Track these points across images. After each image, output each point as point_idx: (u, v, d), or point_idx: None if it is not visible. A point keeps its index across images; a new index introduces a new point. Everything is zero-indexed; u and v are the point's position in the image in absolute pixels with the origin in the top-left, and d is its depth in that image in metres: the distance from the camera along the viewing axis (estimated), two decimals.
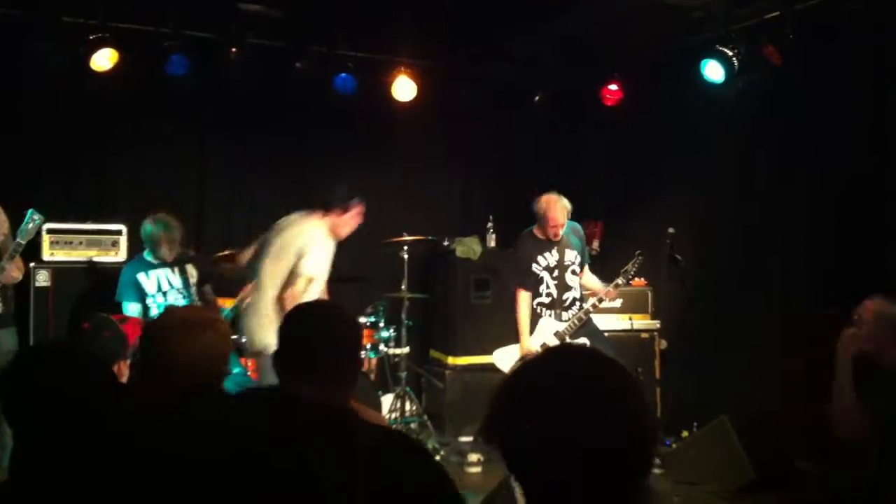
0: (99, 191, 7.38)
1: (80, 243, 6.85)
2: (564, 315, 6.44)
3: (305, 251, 5.61)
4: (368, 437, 1.51)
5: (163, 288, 6.20)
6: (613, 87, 7.90)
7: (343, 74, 7.47)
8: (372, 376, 7.27)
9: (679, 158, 7.56)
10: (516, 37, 7.36)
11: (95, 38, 6.61)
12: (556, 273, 6.48)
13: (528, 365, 1.68)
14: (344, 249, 7.56)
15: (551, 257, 6.50)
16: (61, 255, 6.74)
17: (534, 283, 6.48)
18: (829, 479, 5.13)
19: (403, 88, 7.70)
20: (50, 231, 6.67)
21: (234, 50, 7.04)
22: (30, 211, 5.52)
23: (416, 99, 7.76)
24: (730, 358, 6.70)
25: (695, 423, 6.46)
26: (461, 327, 7.78)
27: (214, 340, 2.60)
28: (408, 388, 7.12)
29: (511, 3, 6.43)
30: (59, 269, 6.66)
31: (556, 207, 6.40)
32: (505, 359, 6.51)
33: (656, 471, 6.11)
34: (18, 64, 6.57)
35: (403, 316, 7.29)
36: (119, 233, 6.97)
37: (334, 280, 7.36)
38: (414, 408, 7.11)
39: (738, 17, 6.52)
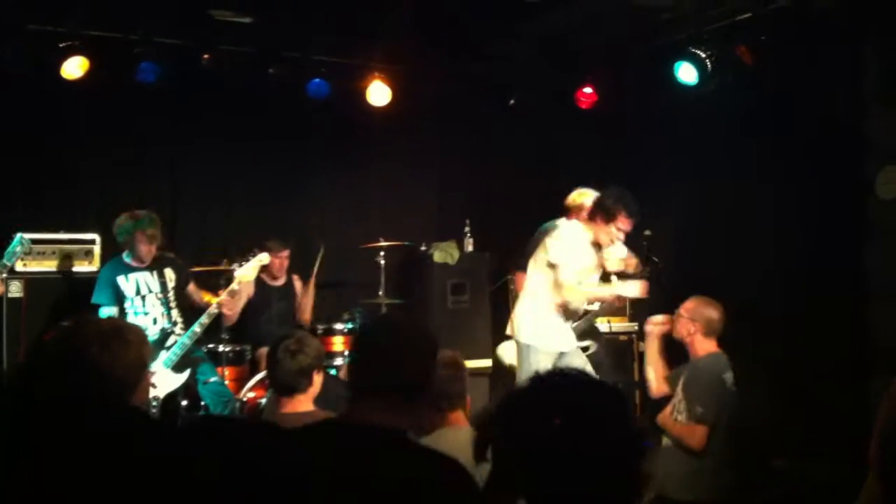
0: (71, 200, 7.30)
1: (53, 253, 6.77)
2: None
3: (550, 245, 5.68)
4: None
5: (141, 291, 6.14)
6: (588, 90, 7.91)
7: (316, 80, 7.44)
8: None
9: (655, 160, 7.58)
10: (491, 40, 7.35)
11: (65, 46, 6.56)
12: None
13: (539, 382, 1.75)
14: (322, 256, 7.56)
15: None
16: (34, 266, 6.65)
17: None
18: (805, 477, 5.14)
19: (378, 93, 7.67)
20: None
21: (205, 56, 7.00)
22: (18, 235, 5.50)
23: (390, 103, 7.72)
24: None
25: None
26: (439, 332, 7.58)
27: (123, 350, 2.51)
28: None
29: (485, 5, 6.41)
30: (31, 280, 6.58)
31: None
32: (511, 353, 6.21)
33: None
34: None
35: None
36: (92, 242, 6.90)
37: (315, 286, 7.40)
38: None
39: (710, 18, 6.54)
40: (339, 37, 7.17)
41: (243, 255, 6.43)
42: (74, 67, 6.62)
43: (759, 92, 6.60)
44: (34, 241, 6.61)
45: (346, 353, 7.02)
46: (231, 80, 7.23)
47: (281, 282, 7.25)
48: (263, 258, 6.36)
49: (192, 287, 6.44)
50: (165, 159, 7.64)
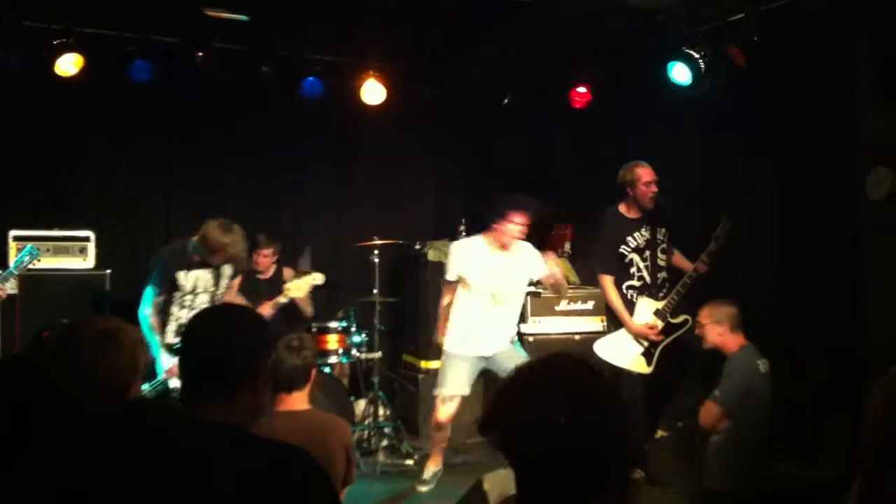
0: (66, 197, 7.31)
1: (48, 250, 6.75)
2: (660, 296, 6.21)
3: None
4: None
5: (197, 290, 6.00)
6: (582, 89, 7.93)
7: (310, 78, 7.45)
8: (344, 381, 7.24)
9: (649, 161, 7.59)
10: (486, 39, 7.37)
11: (59, 43, 6.56)
12: (646, 254, 6.21)
13: (544, 363, 1.82)
14: (314, 254, 7.59)
15: (641, 237, 6.22)
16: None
17: (621, 267, 6.21)
18: (806, 481, 5.21)
19: (372, 92, 7.68)
20: (17, 238, 6.59)
21: (200, 54, 7.01)
22: (29, 246, 5.51)
23: (385, 102, 7.74)
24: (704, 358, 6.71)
25: (678, 423, 6.44)
26: (434, 331, 7.75)
27: (119, 352, 2.52)
28: (381, 393, 7.11)
29: (480, 5, 6.44)
30: (26, 277, 6.54)
31: (644, 165, 6.14)
32: (610, 349, 6.20)
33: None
34: None
35: (375, 320, 7.29)
36: (87, 239, 6.90)
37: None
38: (387, 412, 7.11)
39: (703, 18, 6.57)
40: (334, 36, 7.19)
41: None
42: (69, 64, 6.62)
43: (750, 92, 6.62)
44: (29, 239, 6.62)
45: (340, 351, 7.04)
46: (225, 79, 7.24)
47: (268, 275, 7.22)
48: (318, 278, 6.34)
49: (235, 282, 6.25)
50: (159, 157, 7.66)
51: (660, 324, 6.16)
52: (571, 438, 1.64)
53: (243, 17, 6.72)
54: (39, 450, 1.18)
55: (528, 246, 6.05)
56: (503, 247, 5.92)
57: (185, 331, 2.45)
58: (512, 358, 5.75)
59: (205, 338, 2.34)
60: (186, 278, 5.93)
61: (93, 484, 1.09)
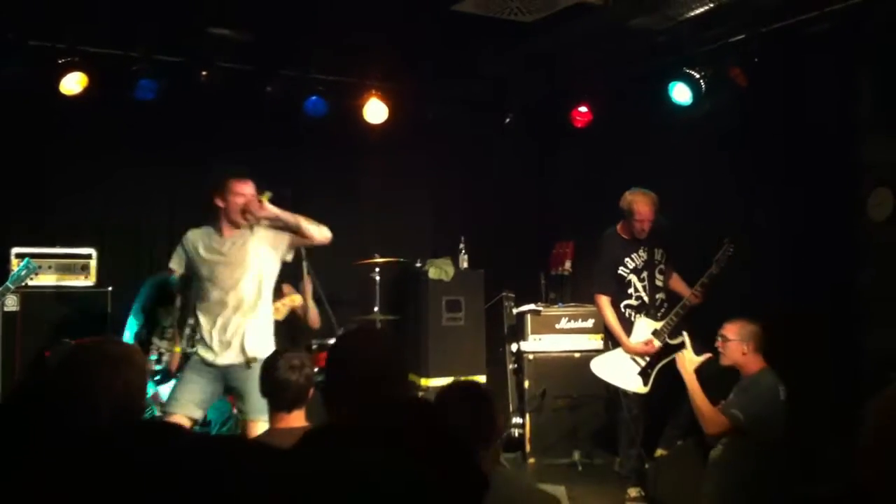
0: (69, 214, 7.31)
1: (50, 268, 6.77)
2: (658, 316, 6.26)
3: None
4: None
5: None
6: (583, 108, 7.96)
7: (314, 97, 7.48)
8: None
9: (648, 180, 7.60)
10: (488, 59, 7.40)
11: (64, 62, 6.60)
12: (644, 274, 6.28)
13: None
14: (317, 272, 7.56)
15: (639, 258, 6.30)
16: (30, 280, 6.65)
17: (619, 287, 6.27)
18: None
19: (375, 111, 7.72)
20: (18, 255, 6.59)
21: (203, 73, 7.04)
22: (27, 259, 5.51)
23: (387, 121, 7.78)
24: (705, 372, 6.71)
25: (679, 442, 6.42)
26: (434, 349, 7.76)
27: (134, 375, 2.55)
28: None
29: (482, 24, 6.47)
30: (27, 294, 6.57)
31: (644, 201, 6.18)
32: (607, 368, 6.28)
33: (633, 491, 6.12)
34: None
35: None
36: (89, 257, 6.90)
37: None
38: None
39: (704, 39, 6.60)
40: (337, 55, 7.23)
41: None
42: (73, 83, 6.66)
43: (752, 113, 6.64)
44: (31, 256, 6.63)
45: None
46: (229, 98, 7.27)
47: None
48: (296, 300, 6.34)
49: None
50: (163, 175, 7.65)
51: (657, 343, 6.17)
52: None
53: (247, 38, 6.76)
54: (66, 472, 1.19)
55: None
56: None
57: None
58: None
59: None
60: (167, 313, 5.97)
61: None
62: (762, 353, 5.13)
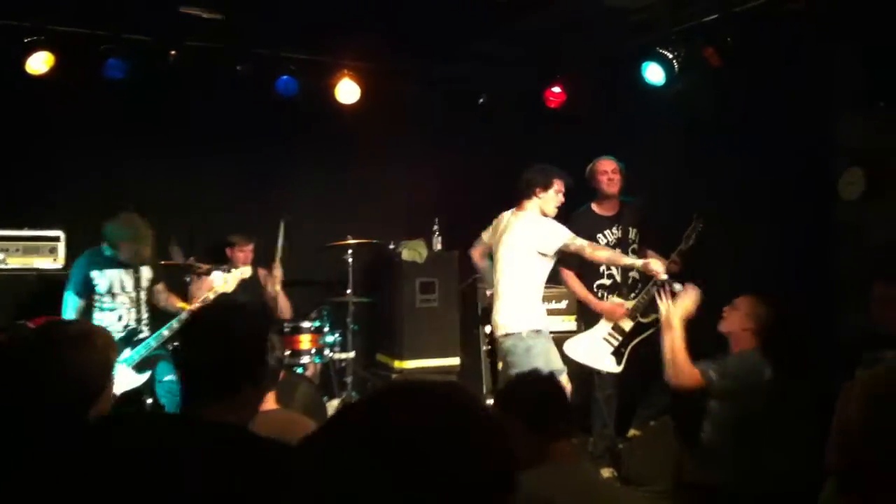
0: (36, 196, 7.20)
1: (17, 250, 6.69)
2: (631, 296, 6.24)
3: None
4: None
5: (114, 290, 6.03)
6: (556, 89, 7.95)
7: (285, 77, 7.41)
8: (316, 382, 7.20)
9: (623, 159, 7.60)
10: (461, 39, 7.35)
11: (30, 41, 6.49)
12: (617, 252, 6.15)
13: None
14: (289, 254, 7.52)
15: (612, 235, 6.30)
16: None
17: (592, 266, 6.20)
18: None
19: (347, 91, 7.67)
20: None
21: (173, 52, 6.95)
22: None
23: (360, 101, 7.72)
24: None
25: (651, 422, 6.45)
26: (407, 331, 7.74)
27: (92, 355, 2.51)
28: (354, 393, 7.09)
29: (457, 4, 6.42)
30: None
31: (605, 159, 6.33)
32: (580, 349, 6.24)
33: (606, 472, 6.13)
34: None
35: (349, 320, 7.27)
36: (57, 239, 6.82)
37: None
38: None
39: (678, 19, 6.59)
40: (309, 34, 7.15)
41: (212, 255, 6.33)
42: (39, 63, 6.56)
43: (726, 93, 6.64)
44: None
45: (313, 351, 7.00)
46: (199, 77, 7.19)
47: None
48: (245, 272, 6.30)
49: (160, 286, 6.34)
50: (132, 155, 7.54)
51: (630, 321, 6.18)
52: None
53: (218, 16, 6.66)
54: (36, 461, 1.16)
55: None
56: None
57: (184, 327, 2.45)
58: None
59: (205, 334, 2.33)
60: (102, 277, 5.94)
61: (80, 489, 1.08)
62: (760, 338, 4.99)
